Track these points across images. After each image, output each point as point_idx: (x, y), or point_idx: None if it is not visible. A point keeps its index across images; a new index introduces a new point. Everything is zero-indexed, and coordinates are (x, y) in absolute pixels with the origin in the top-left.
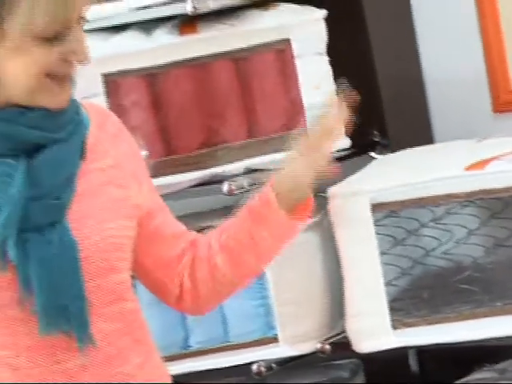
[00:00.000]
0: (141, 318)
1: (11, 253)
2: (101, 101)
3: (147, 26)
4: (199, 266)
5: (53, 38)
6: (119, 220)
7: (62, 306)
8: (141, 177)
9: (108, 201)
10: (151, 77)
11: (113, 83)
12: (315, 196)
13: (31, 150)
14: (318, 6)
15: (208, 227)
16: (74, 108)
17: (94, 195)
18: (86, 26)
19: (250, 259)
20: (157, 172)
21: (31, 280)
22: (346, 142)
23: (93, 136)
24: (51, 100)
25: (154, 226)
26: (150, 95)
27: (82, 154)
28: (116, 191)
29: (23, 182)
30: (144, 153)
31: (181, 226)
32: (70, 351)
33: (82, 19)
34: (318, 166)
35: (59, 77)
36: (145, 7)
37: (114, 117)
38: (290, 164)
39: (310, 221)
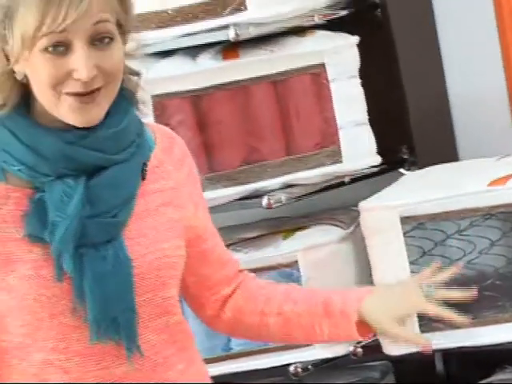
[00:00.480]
0: (185, 328)
1: (67, 265)
2: (149, 121)
3: (192, 51)
4: (250, 313)
5: (51, 52)
6: (173, 240)
7: (113, 318)
8: (197, 201)
9: (165, 221)
10: (196, 98)
11: (160, 104)
12: (348, 209)
13: (91, 171)
14: (351, 32)
15: (249, 238)
16: (136, 130)
17: (151, 215)
18: (137, 52)
19: (300, 337)
20: (202, 187)
21: (85, 292)
22: (377, 159)
23: (156, 158)
24: (76, 118)
25: (204, 248)
26: (194, 116)
27: (142, 174)
28: (173, 212)
29: (80, 202)
30: None
31: (228, 254)
32: (118, 358)
33: (93, 40)
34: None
35: (83, 96)
36: (190, 34)
37: (180, 141)
38: (386, 298)
39: (344, 233)
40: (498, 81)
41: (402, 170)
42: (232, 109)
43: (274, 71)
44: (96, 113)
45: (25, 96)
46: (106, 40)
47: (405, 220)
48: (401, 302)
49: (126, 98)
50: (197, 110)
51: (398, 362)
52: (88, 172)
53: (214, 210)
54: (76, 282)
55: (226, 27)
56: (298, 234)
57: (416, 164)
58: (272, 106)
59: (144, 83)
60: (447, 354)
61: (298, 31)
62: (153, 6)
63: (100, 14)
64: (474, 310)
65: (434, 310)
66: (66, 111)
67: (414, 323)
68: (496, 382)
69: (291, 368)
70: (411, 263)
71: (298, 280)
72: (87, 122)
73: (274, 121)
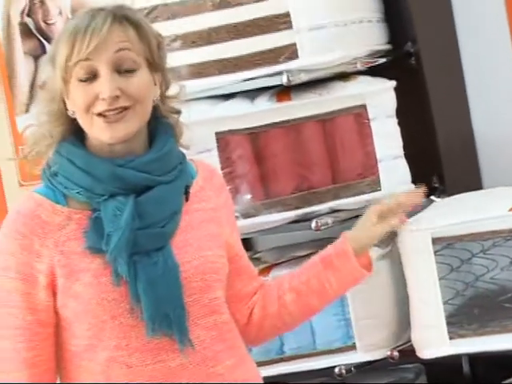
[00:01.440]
0: (233, 328)
1: (122, 271)
2: (213, 155)
3: (251, 94)
4: (270, 303)
5: (84, 81)
6: (216, 249)
7: (165, 315)
8: (233, 225)
9: (207, 234)
10: (254, 135)
11: (223, 140)
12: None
13: (140, 190)
14: (389, 78)
15: (300, 256)
16: (178, 159)
17: (195, 229)
18: (203, 94)
19: (315, 302)
20: (258, 212)
21: (140, 294)
22: (411, 188)
23: (198, 185)
24: (105, 135)
25: (240, 265)
26: (252, 150)
27: (186, 196)
28: (213, 227)
29: (130, 215)
30: (247, 196)
31: (255, 271)
32: (172, 352)
33: (119, 68)
34: (386, 229)
35: (109, 117)
36: (249, 79)
37: (219, 174)
38: (364, 224)
39: (383, 252)
40: None
41: (433, 197)
42: (285, 144)
43: (322, 111)
44: (122, 130)
45: (78, 130)
46: (129, 68)
47: (436, 241)
48: (365, 230)
49: (166, 131)
50: (254, 144)
51: (430, 364)
52: (137, 191)
53: (269, 231)
54: (131, 286)
55: (280, 73)
56: None
57: (445, 192)
58: (320, 142)
59: (209, 122)
60: (473, 357)
61: (343, 76)
62: (217, 55)
63: (120, 43)
64: (496, 320)
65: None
66: (97, 130)
67: (444, 332)
68: None
69: (336, 369)
70: (441, 279)
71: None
72: (115, 138)
73: (322, 154)
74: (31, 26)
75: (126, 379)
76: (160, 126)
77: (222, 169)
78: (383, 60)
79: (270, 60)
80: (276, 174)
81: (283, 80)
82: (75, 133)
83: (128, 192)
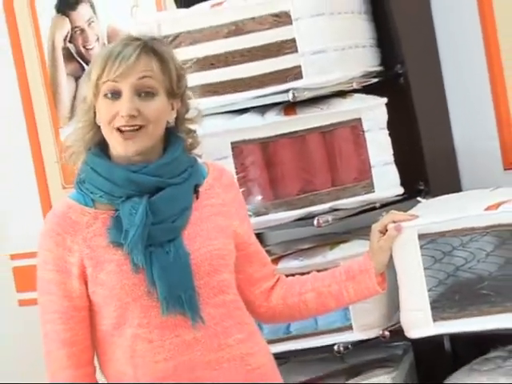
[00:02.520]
0: (241, 306)
1: (138, 260)
2: (229, 162)
3: (261, 109)
4: (290, 296)
5: (109, 98)
6: (222, 239)
7: (177, 296)
8: (243, 217)
9: (215, 226)
10: (264, 144)
11: (237, 149)
12: None
13: (153, 191)
14: (381, 95)
15: (303, 249)
16: (188, 163)
17: (204, 222)
18: (220, 109)
19: (332, 303)
20: (268, 210)
21: (155, 279)
22: (400, 190)
23: (208, 183)
24: (121, 149)
25: (248, 251)
26: (263, 157)
27: (196, 194)
28: (222, 220)
29: (144, 213)
30: (259, 197)
31: (267, 259)
32: (187, 328)
33: (139, 91)
34: (389, 240)
35: (125, 133)
36: (260, 96)
37: (228, 173)
38: (373, 243)
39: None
40: (492, 132)
41: (419, 199)
42: (291, 152)
43: (323, 124)
44: (134, 147)
45: (103, 140)
46: (149, 92)
47: (421, 236)
48: (376, 247)
49: (177, 141)
50: (265, 152)
51: (416, 342)
52: (150, 192)
53: (277, 228)
54: (148, 272)
55: (286, 91)
56: (341, 246)
57: (429, 194)
58: (321, 150)
59: (225, 133)
60: (453, 336)
61: (341, 94)
62: (232, 75)
63: (144, 72)
64: (474, 305)
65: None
66: (115, 143)
67: (428, 315)
68: (490, 357)
69: (335, 347)
70: (426, 269)
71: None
72: (129, 152)
73: (323, 161)
74: (73, 50)
75: (150, 352)
76: (173, 138)
77: (237, 174)
78: (376, 80)
79: (278, 80)
80: (283, 177)
81: (289, 97)
82: (100, 143)
83: (142, 194)
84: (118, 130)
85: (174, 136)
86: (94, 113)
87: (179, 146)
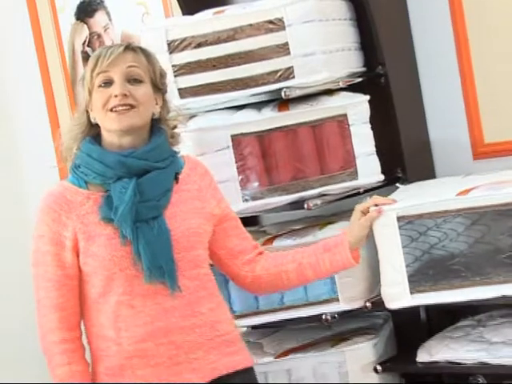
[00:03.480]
0: (213, 279)
1: (128, 234)
2: (229, 152)
3: (258, 105)
4: (273, 267)
5: (102, 86)
6: (197, 219)
7: (159, 266)
8: (219, 199)
9: (191, 208)
10: (260, 137)
11: (237, 140)
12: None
13: (140, 174)
14: (364, 93)
15: (295, 229)
16: (170, 152)
17: (182, 204)
18: (222, 106)
19: (310, 274)
20: (264, 195)
21: (140, 251)
22: (381, 177)
23: (185, 172)
24: (115, 124)
25: (225, 226)
26: (259, 148)
27: (176, 179)
28: (197, 203)
29: (132, 192)
30: (255, 184)
31: (246, 234)
32: (165, 296)
33: (128, 78)
34: (369, 219)
35: (118, 111)
36: (257, 94)
37: (202, 164)
38: (354, 221)
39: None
40: (463, 126)
41: (397, 185)
42: (284, 143)
43: (313, 119)
44: (127, 122)
45: (94, 135)
46: (137, 79)
47: (400, 218)
48: (355, 225)
49: (160, 132)
50: (261, 144)
51: (395, 313)
52: (138, 174)
53: (272, 210)
54: (134, 245)
55: (280, 89)
56: (329, 226)
57: (407, 180)
58: (311, 142)
59: (226, 127)
60: (428, 307)
61: (329, 92)
62: (232, 75)
63: (131, 62)
64: (446, 279)
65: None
66: (109, 121)
67: (406, 288)
68: (460, 326)
69: (323, 316)
70: (404, 247)
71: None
72: (121, 126)
73: (313, 151)
74: (90, 53)
75: (132, 318)
76: (156, 129)
77: (236, 162)
78: (359, 79)
79: (272, 79)
80: (277, 166)
81: (283, 94)
82: (92, 136)
83: (131, 175)
84: (111, 110)
85: (158, 127)
86: (87, 114)
87: (161, 135)
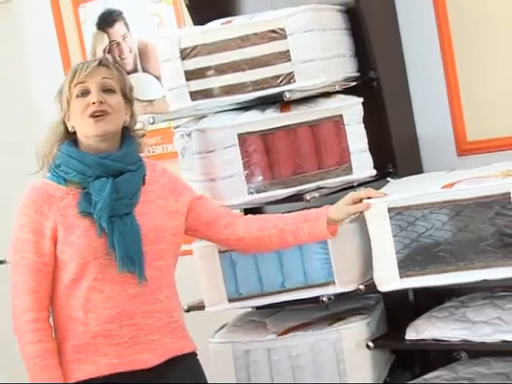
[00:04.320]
0: (171, 271)
1: (104, 226)
2: (236, 149)
3: (262, 107)
4: (256, 231)
5: (80, 96)
6: (162, 217)
7: (130, 257)
8: (179, 191)
9: (157, 207)
10: (264, 135)
11: (242, 139)
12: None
13: (116, 174)
14: (358, 95)
15: None
16: (138, 157)
17: (149, 203)
18: (229, 107)
19: (290, 239)
20: (267, 188)
21: (114, 242)
22: (373, 172)
23: (148, 174)
24: (93, 129)
25: (194, 207)
26: (263, 146)
27: (143, 181)
28: (162, 202)
29: (110, 190)
30: (259, 178)
31: (217, 204)
32: (132, 284)
33: (102, 89)
34: (355, 209)
35: (96, 118)
36: (261, 97)
37: (160, 165)
38: (343, 203)
39: (355, 216)
40: (448, 125)
41: (388, 179)
42: (286, 141)
43: (312, 119)
44: (103, 127)
45: (73, 138)
46: (111, 88)
47: (390, 209)
48: (342, 207)
49: (130, 139)
50: (265, 142)
51: (386, 295)
52: (113, 175)
53: (274, 202)
54: (109, 237)
55: (282, 92)
56: None
57: (397, 175)
58: (310, 140)
59: (233, 126)
60: (416, 290)
61: (326, 95)
62: (239, 79)
63: (105, 74)
64: (433, 264)
65: (356, 208)
66: (88, 127)
67: (396, 272)
68: (445, 306)
69: (321, 298)
70: (394, 236)
71: (325, 246)
72: (98, 132)
73: (311, 149)
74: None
75: (100, 301)
76: (127, 136)
77: (242, 159)
78: (354, 83)
79: (275, 83)
80: (279, 162)
81: (284, 97)
82: (70, 140)
83: (108, 175)
84: (90, 116)
85: (128, 135)
86: (64, 124)
87: (132, 142)
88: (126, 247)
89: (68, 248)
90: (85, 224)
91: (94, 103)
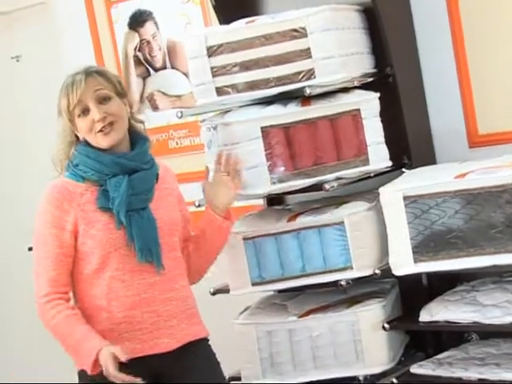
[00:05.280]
0: (183, 262)
1: (123, 220)
2: (259, 141)
3: (284, 101)
4: (189, 253)
5: (82, 116)
6: (174, 212)
7: (149, 248)
8: (180, 200)
9: (169, 203)
10: (286, 128)
11: (265, 131)
12: (373, 191)
13: (131, 172)
14: (375, 91)
15: (316, 208)
16: (150, 157)
17: (163, 199)
18: (253, 102)
19: (205, 247)
20: (289, 179)
21: (133, 234)
22: (389, 163)
23: (161, 174)
24: (103, 142)
25: (182, 225)
26: (285, 138)
27: (156, 179)
28: (172, 199)
29: (126, 187)
30: (281, 169)
31: (186, 234)
32: (150, 273)
33: (98, 101)
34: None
35: (104, 131)
36: (283, 92)
37: (170, 168)
38: (214, 194)
39: (371, 205)
40: (460, 118)
41: (403, 170)
42: (307, 134)
43: (331, 113)
44: (114, 137)
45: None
46: (106, 97)
47: (405, 198)
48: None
49: (142, 138)
50: (286, 135)
51: (401, 279)
52: (129, 173)
53: (296, 192)
54: (128, 230)
55: (303, 88)
56: (344, 205)
57: (411, 166)
58: (329, 133)
59: (257, 119)
60: (430, 274)
61: (345, 90)
62: (262, 75)
63: (95, 86)
64: (445, 250)
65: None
66: (100, 141)
67: (410, 258)
68: (457, 290)
69: (339, 282)
70: (408, 223)
71: (344, 233)
72: (111, 144)
73: (331, 141)
74: (141, 58)
75: (122, 290)
76: (138, 137)
77: (265, 150)
78: (371, 79)
79: (296, 79)
80: (300, 154)
81: (306, 92)
82: (84, 140)
83: (124, 173)
84: (99, 131)
85: (139, 136)
86: (74, 133)
87: (144, 144)
88: (144, 239)
89: (89, 240)
90: (104, 218)
91: (98, 121)
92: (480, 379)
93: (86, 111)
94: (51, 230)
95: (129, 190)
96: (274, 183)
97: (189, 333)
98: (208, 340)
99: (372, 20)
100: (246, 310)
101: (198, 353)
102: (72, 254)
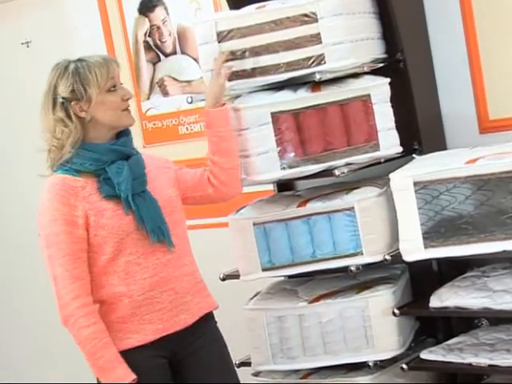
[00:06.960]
0: (187, 237)
1: (131, 204)
2: (269, 127)
3: (294, 86)
4: (215, 172)
5: (112, 90)
6: (169, 189)
7: (159, 227)
8: (168, 167)
9: (162, 182)
10: (296, 114)
11: (276, 117)
12: (383, 177)
13: (126, 158)
14: (385, 76)
15: (326, 194)
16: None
17: (155, 180)
18: (263, 87)
19: (217, 144)
20: (299, 164)
21: (142, 217)
22: (399, 149)
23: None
24: (127, 120)
25: (185, 178)
26: (295, 123)
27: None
28: (163, 177)
29: (128, 171)
30: (292, 154)
31: (197, 170)
32: (163, 252)
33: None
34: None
35: (127, 110)
36: (293, 78)
37: (142, 152)
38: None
39: (381, 191)
40: (471, 104)
41: (414, 155)
42: (316, 120)
43: (341, 98)
44: (133, 119)
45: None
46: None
47: (416, 183)
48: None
49: (129, 131)
50: (296, 120)
51: (411, 264)
52: (124, 158)
53: (306, 177)
54: (136, 213)
55: (313, 73)
56: (355, 191)
57: (422, 151)
58: (340, 118)
59: (267, 105)
60: (439, 260)
61: (355, 75)
62: (272, 61)
63: (116, 71)
64: (455, 236)
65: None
66: (123, 120)
67: (420, 243)
68: (467, 276)
69: (350, 268)
70: (419, 208)
71: (354, 218)
72: (132, 122)
73: (341, 126)
74: (151, 43)
75: (139, 273)
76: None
77: (275, 136)
78: (381, 64)
79: (306, 64)
80: (310, 139)
81: (316, 77)
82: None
83: (120, 159)
84: (124, 110)
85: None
86: (80, 123)
87: (129, 132)
88: (153, 219)
89: (101, 230)
90: (111, 206)
91: (128, 98)
92: (490, 365)
93: (115, 87)
94: (63, 227)
95: (130, 175)
96: (284, 169)
97: (202, 306)
98: (216, 321)
99: (382, 5)
100: (256, 295)
101: (211, 326)
102: (86, 249)
